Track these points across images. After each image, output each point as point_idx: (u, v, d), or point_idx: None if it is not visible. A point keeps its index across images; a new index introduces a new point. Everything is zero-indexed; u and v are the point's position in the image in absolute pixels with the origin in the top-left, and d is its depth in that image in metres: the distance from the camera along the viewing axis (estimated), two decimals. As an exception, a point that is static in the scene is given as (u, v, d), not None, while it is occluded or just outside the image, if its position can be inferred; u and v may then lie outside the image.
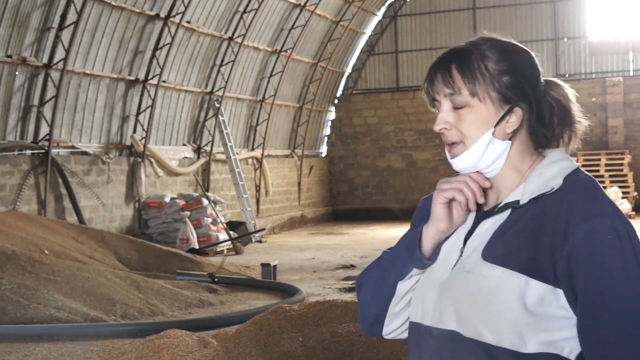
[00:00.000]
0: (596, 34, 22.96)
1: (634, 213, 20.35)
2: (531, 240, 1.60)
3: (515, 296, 1.58)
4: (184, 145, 17.64)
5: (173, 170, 16.72)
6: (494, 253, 1.63)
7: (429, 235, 1.71)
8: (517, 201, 1.66)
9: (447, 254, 1.72)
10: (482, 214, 1.71)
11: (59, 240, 11.04)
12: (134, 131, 15.66)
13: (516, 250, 1.61)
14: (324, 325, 5.68)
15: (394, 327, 1.81)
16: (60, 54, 13.26)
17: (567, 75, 22.94)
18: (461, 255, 1.69)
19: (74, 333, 7.61)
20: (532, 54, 1.72)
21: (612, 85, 22.50)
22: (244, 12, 17.99)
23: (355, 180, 24.60)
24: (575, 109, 1.74)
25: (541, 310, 1.58)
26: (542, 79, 1.72)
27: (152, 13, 15.29)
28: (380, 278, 1.79)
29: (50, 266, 9.00)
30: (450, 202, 1.69)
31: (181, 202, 15.53)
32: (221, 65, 18.00)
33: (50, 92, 13.28)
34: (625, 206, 20.02)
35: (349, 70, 24.81)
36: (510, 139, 1.68)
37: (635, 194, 21.46)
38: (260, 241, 17.84)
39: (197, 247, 15.09)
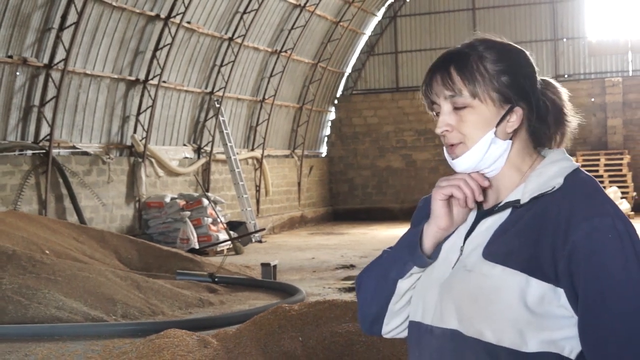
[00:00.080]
0: (595, 34, 22.97)
1: (633, 213, 20.35)
2: (532, 239, 1.61)
3: (516, 295, 1.59)
4: (184, 145, 17.66)
5: (173, 170, 16.74)
6: (495, 252, 1.64)
7: (430, 233, 1.71)
8: (518, 200, 1.66)
9: (448, 253, 1.72)
10: (482, 213, 1.72)
11: (60, 240, 11.05)
12: (135, 131, 15.68)
13: (517, 249, 1.61)
14: (323, 325, 5.68)
15: (393, 326, 1.82)
16: (61, 54, 13.28)
17: (566, 76, 22.96)
18: (461, 254, 1.69)
19: (74, 333, 7.61)
20: (528, 53, 1.73)
21: (611, 86, 22.52)
22: (244, 12, 18.00)
23: (355, 180, 24.62)
24: (568, 108, 1.76)
25: (542, 309, 1.58)
26: (539, 78, 1.73)
27: (153, 13, 15.31)
28: (380, 277, 1.79)
29: (51, 266, 9.00)
30: (449, 199, 1.69)
31: (181, 202, 15.55)
32: (221, 65, 18.01)
33: (51, 92, 13.30)
34: (624, 206, 20.01)
35: (348, 70, 24.83)
36: (510, 139, 1.69)
37: (634, 194, 21.47)
38: (260, 241, 17.86)
39: (197, 247, 15.11)
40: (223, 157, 18.36)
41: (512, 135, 1.69)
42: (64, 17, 13.14)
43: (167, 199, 15.52)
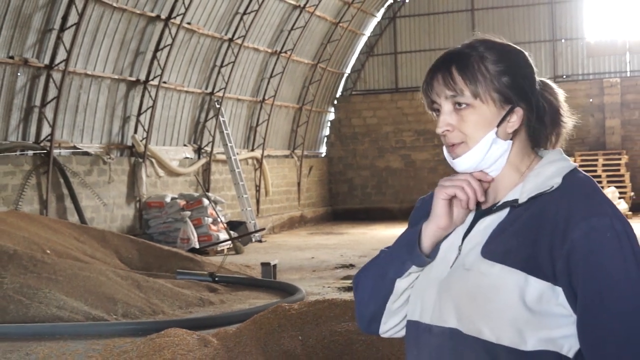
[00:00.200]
0: (593, 35, 22.98)
1: (630, 213, 20.39)
2: (530, 238, 1.61)
3: (514, 293, 1.59)
4: (185, 145, 17.69)
5: (174, 170, 16.77)
6: (493, 251, 1.64)
7: (429, 232, 1.71)
8: (516, 200, 1.67)
9: (446, 253, 1.72)
10: (480, 212, 1.72)
11: (61, 240, 11.06)
12: (135, 132, 15.71)
13: (515, 248, 1.62)
14: (323, 324, 5.69)
15: (391, 325, 1.82)
16: (61, 55, 13.31)
17: (564, 77, 22.98)
18: (459, 253, 1.70)
19: (75, 332, 7.60)
20: (527, 54, 1.74)
21: (610, 86, 22.54)
22: (244, 13, 18.03)
23: (354, 181, 24.64)
24: (565, 110, 1.77)
25: (540, 308, 1.59)
26: (538, 79, 1.74)
27: (153, 14, 15.33)
28: (378, 276, 1.79)
29: (52, 266, 9.01)
30: (451, 199, 1.70)
31: (182, 202, 15.58)
32: (221, 66, 18.04)
33: (52, 92, 13.32)
34: (622, 206, 20.05)
35: (348, 71, 24.84)
36: (511, 139, 1.70)
37: (632, 194, 21.50)
38: (260, 241, 17.89)
39: (197, 246, 15.13)
40: (223, 157, 18.39)
41: (512, 135, 1.70)
42: (64, 18, 13.17)
43: (168, 199, 15.55)
